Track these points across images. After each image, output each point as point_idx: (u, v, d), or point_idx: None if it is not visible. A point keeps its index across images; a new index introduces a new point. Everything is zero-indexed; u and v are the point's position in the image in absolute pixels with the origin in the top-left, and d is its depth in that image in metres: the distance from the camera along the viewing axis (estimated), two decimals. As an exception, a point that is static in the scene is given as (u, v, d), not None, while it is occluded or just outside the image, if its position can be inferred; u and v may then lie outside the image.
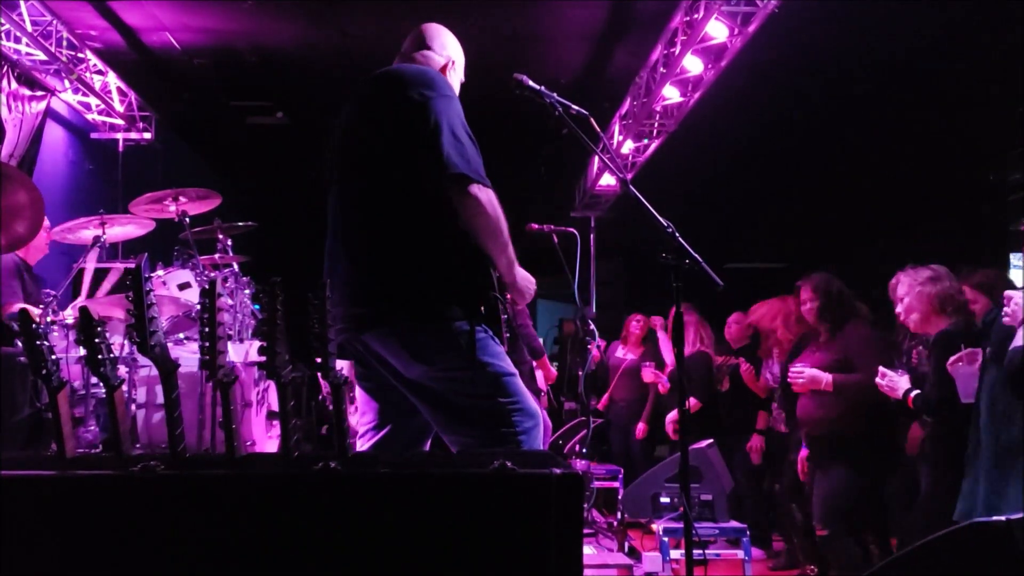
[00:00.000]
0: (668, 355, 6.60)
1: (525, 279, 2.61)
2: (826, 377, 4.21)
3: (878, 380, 3.89)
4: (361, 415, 2.65)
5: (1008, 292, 3.41)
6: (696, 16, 5.65)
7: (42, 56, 5.97)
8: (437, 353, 2.42)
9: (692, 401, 5.65)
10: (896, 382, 3.86)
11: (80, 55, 6.31)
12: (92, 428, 4.49)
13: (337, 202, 2.62)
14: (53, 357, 1.79)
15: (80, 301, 4.77)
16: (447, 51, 2.77)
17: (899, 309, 3.99)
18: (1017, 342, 3.21)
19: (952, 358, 3.56)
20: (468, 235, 2.45)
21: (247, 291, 5.40)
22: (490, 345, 2.45)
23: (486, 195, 2.42)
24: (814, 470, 4.41)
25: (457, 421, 2.45)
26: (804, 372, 4.28)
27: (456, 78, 2.79)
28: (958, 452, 3.57)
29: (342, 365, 2.05)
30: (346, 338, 2.50)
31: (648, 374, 6.72)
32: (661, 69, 6.43)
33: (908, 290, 3.93)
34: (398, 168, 2.47)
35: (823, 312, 4.39)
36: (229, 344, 4.67)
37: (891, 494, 4.62)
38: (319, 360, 1.79)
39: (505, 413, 2.41)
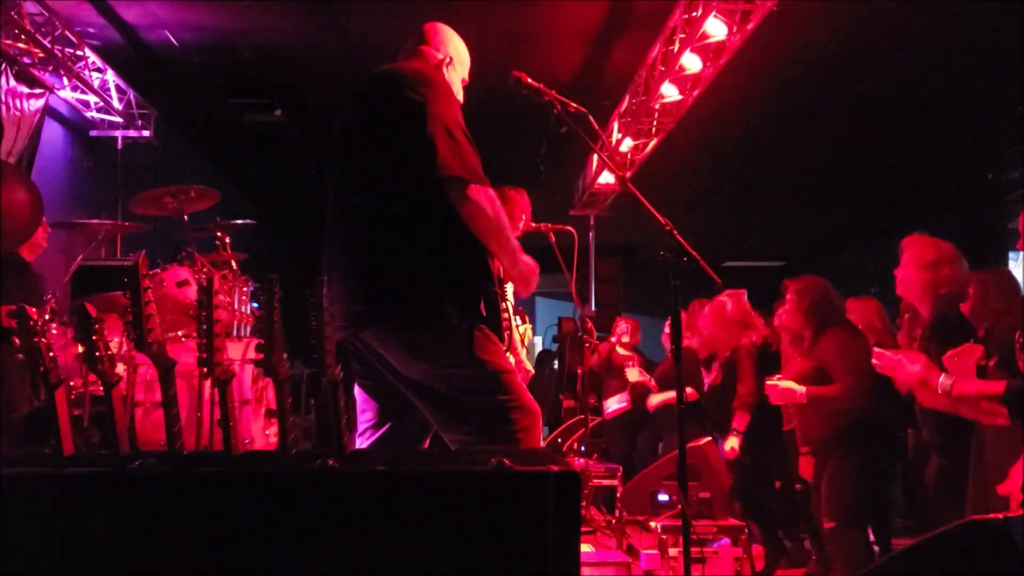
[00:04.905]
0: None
1: (529, 268, 2.61)
2: (800, 390, 4.21)
3: (874, 360, 3.71)
4: (360, 413, 2.66)
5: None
6: (695, 14, 5.65)
7: (40, 53, 5.96)
8: (436, 350, 2.43)
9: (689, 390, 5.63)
10: (903, 361, 3.57)
11: (79, 52, 6.31)
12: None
13: (337, 200, 2.63)
14: (51, 354, 1.79)
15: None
16: (445, 48, 2.78)
17: (903, 269, 3.89)
18: None
19: (948, 353, 3.50)
20: (466, 232, 2.46)
21: (245, 289, 5.40)
22: (489, 342, 2.46)
23: (485, 195, 2.43)
24: (820, 468, 4.40)
25: (456, 419, 2.46)
26: (778, 386, 4.29)
27: (456, 76, 2.79)
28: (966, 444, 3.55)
29: None
30: (346, 336, 2.50)
31: (632, 374, 6.64)
32: (660, 67, 6.42)
33: (926, 257, 3.81)
34: (396, 167, 2.48)
35: (806, 316, 4.37)
36: (227, 342, 4.66)
37: (893, 492, 4.64)
38: (316, 357, 1.79)
39: (504, 410, 2.42)
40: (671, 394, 6.23)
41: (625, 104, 7.47)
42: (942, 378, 3.37)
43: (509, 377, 2.46)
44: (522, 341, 4.39)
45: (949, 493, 3.72)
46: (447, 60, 2.76)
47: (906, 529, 5.40)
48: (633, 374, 6.66)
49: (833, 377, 4.20)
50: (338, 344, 1.93)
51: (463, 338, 2.40)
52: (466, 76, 2.84)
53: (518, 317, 4.16)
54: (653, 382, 6.70)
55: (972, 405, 3.38)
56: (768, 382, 4.39)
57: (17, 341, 1.76)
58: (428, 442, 2.71)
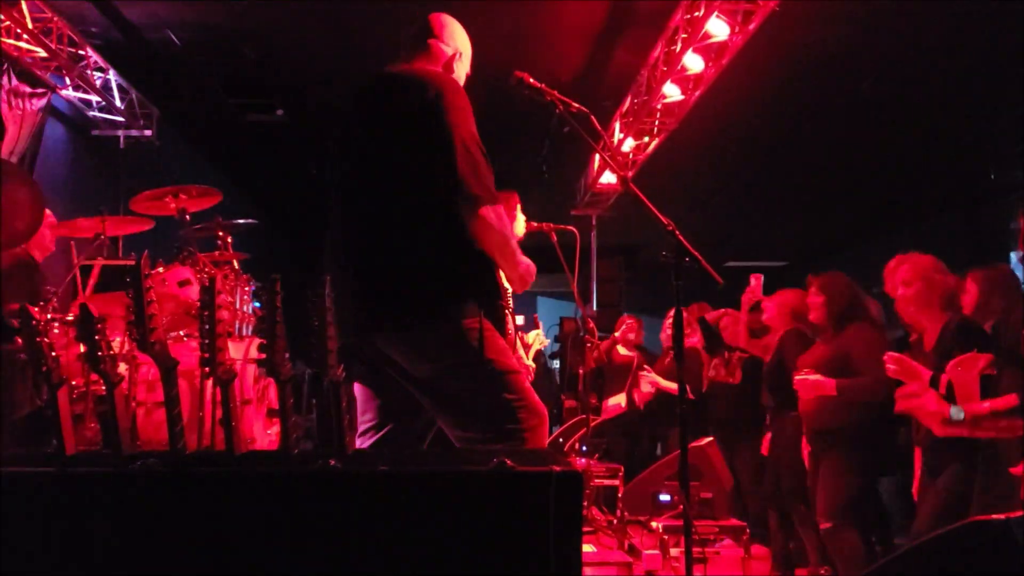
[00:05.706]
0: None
1: (527, 269, 2.63)
2: (830, 383, 4.23)
3: (889, 365, 3.69)
4: (361, 414, 2.65)
5: None
6: (697, 14, 5.65)
7: (42, 53, 5.96)
8: (443, 351, 2.43)
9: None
10: (915, 367, 3.62)
11: (81, 52, 6.31)
12: (92, 426, 4.49)
13: (342, 201, 2.62)
14: (53, 354, 1.79)
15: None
16: (455, 42, 2.76)
17: (901, 292, 3.89)
18: None
19: (952, 362, 3.49)
20: (469, 235, 2.46)
21: (247, 288, 5.40)
22: (496, 342, 2.45)
23: (496, 213, 2.46)
24: (816, 463, 4.41)
25: (463, 418, 2.46)
26: (809, 379, 4.29)
27: (462, 69, 2.78)
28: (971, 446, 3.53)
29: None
30: (352, 338, 2.50)
31: (646, 385, 6.59)
32: (662, 67, 6.42)
33: (915, 275, 3.82)
34: (399, 168, 2.48)
35: (829, 311, 4.42)
36: (229, 341, 4.66)
37: (891, 494, 4.63)
38: (318, 357, 1.79)
39: (510, 410, 2.41)
40: (665, 382, 6.25)
41: (627, 104, 7.47)
42: (952, 411, 3.33)
43: (515, 377, 2.45)
44: (527, 349, 4.41)
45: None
46: (457, 55, 2.75)
47: (906, 529, 5.39)
48: (646, 385, 6.61)
49: (860, 369, 4.21)
50: (344, 346, 1.92)
51: (468, 337, 2.40)
52: (468, 69, 2.84)
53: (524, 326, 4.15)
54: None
55: (991, 424, 3.33)
56: (797, 377, 4.39)
57: (20, 341, 1.76)
58: (427, 443, 2.71)
